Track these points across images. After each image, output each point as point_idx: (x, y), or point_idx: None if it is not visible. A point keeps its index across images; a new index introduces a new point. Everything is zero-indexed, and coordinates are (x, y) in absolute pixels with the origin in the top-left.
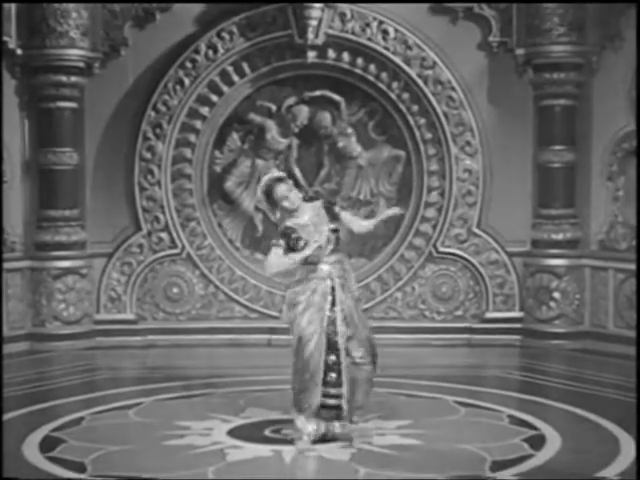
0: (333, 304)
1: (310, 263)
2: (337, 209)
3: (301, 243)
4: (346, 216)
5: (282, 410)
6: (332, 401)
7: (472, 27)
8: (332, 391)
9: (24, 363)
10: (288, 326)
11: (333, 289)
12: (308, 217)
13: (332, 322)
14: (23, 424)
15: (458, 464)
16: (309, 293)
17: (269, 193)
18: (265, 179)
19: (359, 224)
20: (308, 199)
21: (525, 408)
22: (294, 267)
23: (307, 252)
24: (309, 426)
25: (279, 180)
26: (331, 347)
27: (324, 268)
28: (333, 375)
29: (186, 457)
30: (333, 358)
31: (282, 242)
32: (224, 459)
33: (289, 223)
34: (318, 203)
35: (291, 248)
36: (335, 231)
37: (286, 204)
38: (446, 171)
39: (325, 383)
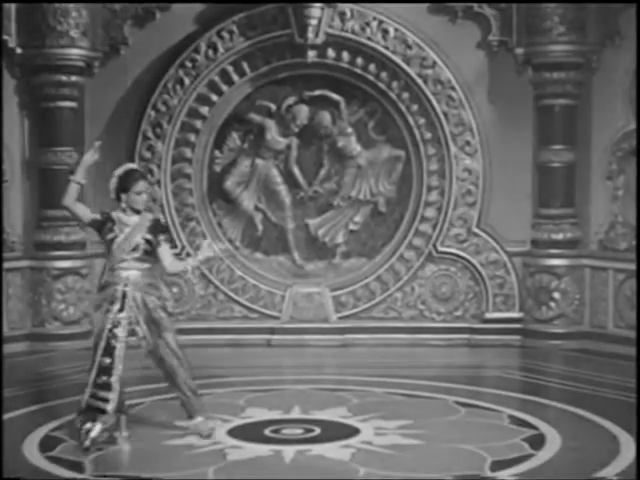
0: (122, 309)
1: (111, 267)
2: (161, 238)
3: (110, 236)
4: (164, 248)
5: (282, 410)
6: (100, 403)
7: (472, 26)
8: (101, 394)
9: (24, 363)
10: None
11: (124, 295)
12: (134, 220)
13: (114, 326)
14: (23, 424)
15: (458, 464)
16: (109, 298)
17: (124, 180)
18: (128, 166)
19: (170, 261)
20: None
21: (525, 408)
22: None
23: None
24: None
25: (143, 176)
26: (108, 350)
27: (122, 274)
28: (104, 378)
29: (186, 457)
30: (108, 361)
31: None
32: (224, 459)
33: (114, 214)
34: (150, 216)
35: (100, 236)
36: (149, 242)
37: (137, 200)
38: (446, 171)
39: (96, 385)
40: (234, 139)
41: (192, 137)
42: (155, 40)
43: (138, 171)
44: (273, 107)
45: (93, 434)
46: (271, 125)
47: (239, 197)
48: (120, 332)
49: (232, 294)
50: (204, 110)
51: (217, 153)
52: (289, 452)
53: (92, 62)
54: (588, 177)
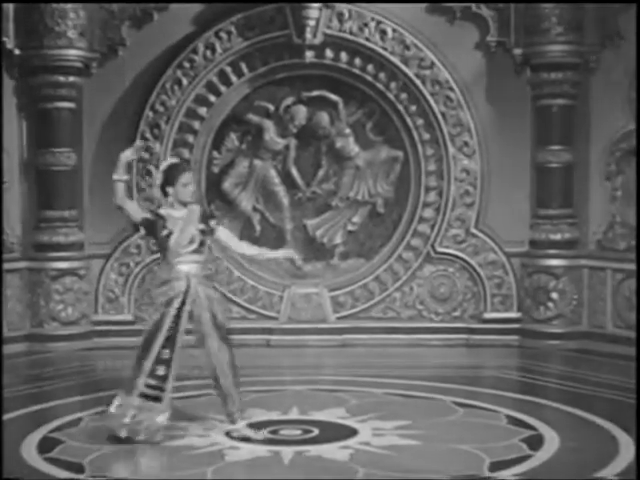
0: (184, 303)
1: (169, 263)
2: (213, 223)
3: (165, 232)
4: (223, 232)
5: (281, 410)
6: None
7: (470, 27)
8: (157, 384)
9: (22, 364)
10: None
11: (187, 289)
12: (184, 213)
13: (177, 319)
14: (21, 425)
15: (456, 464)
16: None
17: (169, 174)
18: (171, 160)
19: (239, 244)
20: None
21: (523, 408)
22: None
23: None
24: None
25: (187, 168)
26: (169, 343)
27: (182, 268)
28: (162, 369)
29: (185, 458)
30: (167, 352)
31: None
32: (223, 460)
33: (162, 211)
34: (196, 208)
35: (153, 235)
36: (204, 233)
37: (184, 192)
38: (444, 171)
39: (152, 375)
40: (232, 140)
41: (190, 138)
42: (153, 41)
43: (182, 164)
44: (271, 108)
45: (145, 424)
46: (269, 126)
47: (237, 198)
48: (182, 326)
49: (230, 295)
50: (202, 111)
51: (215, 154)
52: (288, 453)
53: (90, 63)
54: (586, 177)
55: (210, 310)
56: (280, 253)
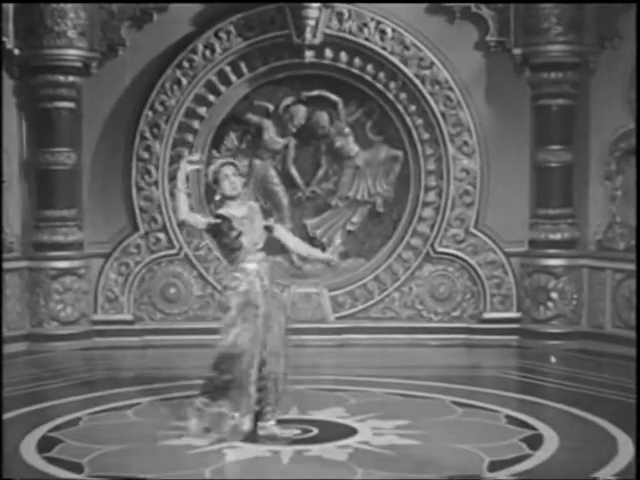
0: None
1: (241, 262)
2: (271, 221)
3: (234, 233)
4: (281, 230)
5: (280, 410)
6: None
7: (469, 27)
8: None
9: (22, 363)
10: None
11: (263, 290)
12: (246, 211)
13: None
14: (21, 424)
15: (456, 464)
16: (243, 296)
17: (215, 173)
18: (217, 164)
19: (295, 242)
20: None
21: (523, 408)
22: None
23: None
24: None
25: (227, 163)
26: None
27: (250, 267)
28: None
29: (184, 457)
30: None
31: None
32: (222, 459)
33: (223, 211)
34: (254, 204)
35: (220, 238)
36: (268, 229)
37: (226, 185)
38: (443, 171)
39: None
40: (232, 139)
41: (190, 137)
42: (153, 41)
43: (224, 161)
44: (271, 107)
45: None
46: (269, 125)
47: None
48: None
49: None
50: (202, 110)
51: (215, 153)
52: (287, 452)
53: (90, 63)
54: (586, 177)
55: (279, 309)
56: (324, 255)
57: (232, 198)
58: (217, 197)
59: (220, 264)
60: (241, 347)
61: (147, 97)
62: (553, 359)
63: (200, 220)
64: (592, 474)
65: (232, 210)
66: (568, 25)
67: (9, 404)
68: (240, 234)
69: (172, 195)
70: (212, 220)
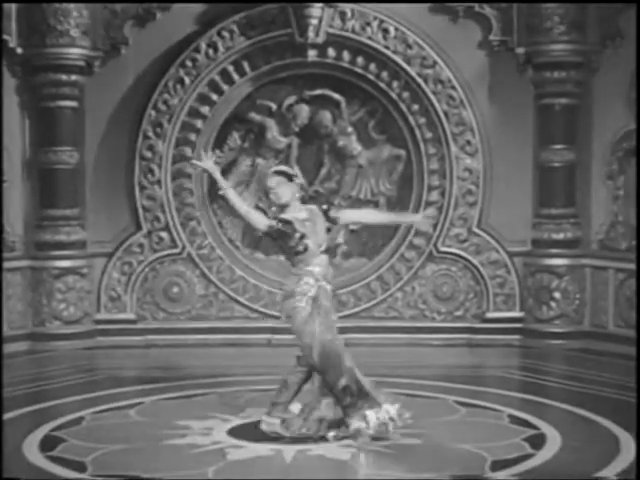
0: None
1: (305, 266)
2: (333, 212)
3: (298, 235)
4: (346, 213)
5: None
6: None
7: (473, 26)
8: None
9: (24, 363)
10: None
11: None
12: (306, 214)
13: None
14: (23, 424)
15: (458, 464)
16: (309, 299)
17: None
18: (276, 167)
19: (367, 214)
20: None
21: (525, 408)
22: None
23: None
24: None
25: (274, 173)
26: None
27: (316, 270)
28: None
29: (187, 457)
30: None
31: (275, 225)
32: (224, 459)
33: (285, 216)
34: (314, 207)
35: (282, 242)
36: (332, 221)
37: (272, 197)
38: (446, 170)
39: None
40: (235, 138)
41: (193, 136)
42: (156, 40)
43: (275, 170)
44: (274, 106)
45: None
46: (272, 124)
47: (240, 196)
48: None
49: (233, 294)
50: (205, 109)
51: (218, 152)
52: (289, 452)
53: (93, 62)
54: (589, 177)
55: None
56: (413, 218)
57: (284, 206)
58: (273, 209)
59: (223, 263)
60: (329, 346)
61: (150, 96)
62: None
63: (261, 221)
64: (594, 474)
65: (294, 213)
66: (571, 24)
67: (12, 403)
68: (304, 236)
69: (222, 198)
70: (274, 224)
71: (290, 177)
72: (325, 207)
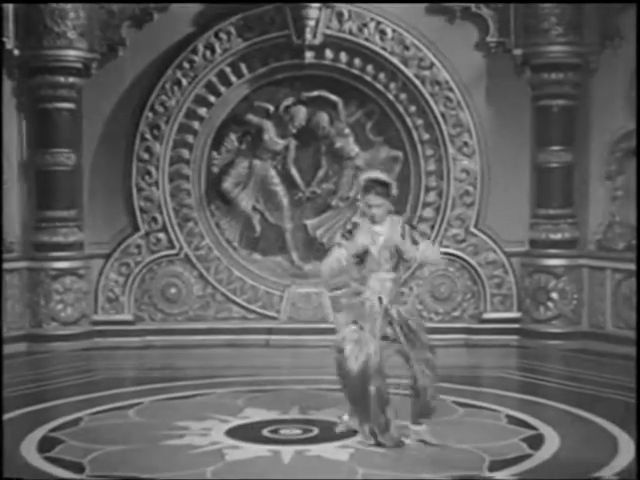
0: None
1: (362, 279)
2: (417, 236)
3: (360, 244)
4: (422, 252)
5: (281, 410)
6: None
7: (470, 27)
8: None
9: (22, 364)
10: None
11: (381, 308)
12: (385, 228)
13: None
14: (21, 424)
15: (457, 464)
16: (359, 313)
17: (362, 188)
18: (368, 174)
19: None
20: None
21: (523, 408)
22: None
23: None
24: None
25: (374, 188)
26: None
27: (375, 285)
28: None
29: (185, 457)
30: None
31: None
32: (223, 459)
33: (363, 222)
34: (400, 220)
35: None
36: (400, 252)
37: (372, 211)
38: (444, 171)
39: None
40: (232, 140)
41: (190, 138)
42: (153, 41)
43: (373, 182)
44: (271, 108)
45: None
46: (269, 126)
47: (237, 198)
48: (384, 349)
49: (230, 294)
50: (202, 111)
51: (215, 154)
52: (288, 452)
53: (90, 63)
54: (586, 178)
55: (405, 330)
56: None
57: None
58: (355, 220)
59: (220, 264)
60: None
61: (147, 98)
62: None
63: (342, 257)
64: (593, 474)
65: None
66: (568, 25)
67: (10, 404)
68: (367, 252)
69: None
70: (352, 254)
71: (389, 191)
72: (410, 228)
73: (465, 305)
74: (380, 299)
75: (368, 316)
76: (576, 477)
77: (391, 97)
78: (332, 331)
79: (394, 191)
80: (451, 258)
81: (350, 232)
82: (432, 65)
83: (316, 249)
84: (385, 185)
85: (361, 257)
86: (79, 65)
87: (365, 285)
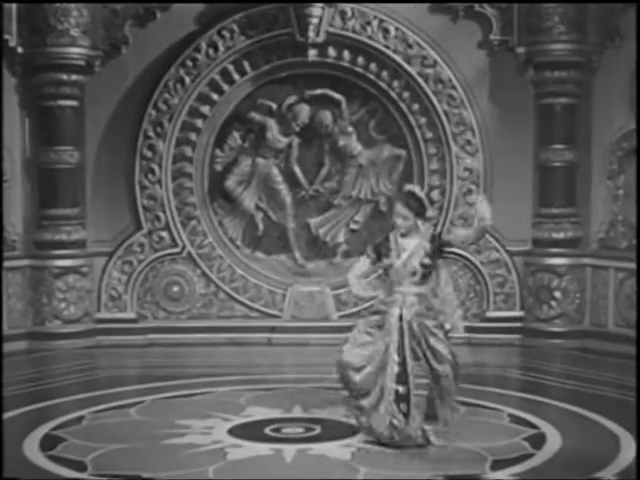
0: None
1: (387, 291)
2: (445, 236)
3: (386, 262)
4: (458, 234)
5: (283, 409)
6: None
7: (473, 26)
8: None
9: (24, 362)
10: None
11: (401, 317)
12: (416, 241)
13: (401, 353)
14: (23, 423)
15: (458, 463)
16: (378, 320)
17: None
18: (405, 187)
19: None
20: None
21: (525, 407)
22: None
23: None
24: None
25: (403, 199)
26: (401, 378)
27: (399, 298)
28: (403, 405)
29: (187, 456)
30: (403, 389)
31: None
32: (224, 458)
33: (392, 235)
34: (429, 235)
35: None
36: (425, 267)
37: (397, 221)
38: (447, 170)
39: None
40: (235, 138)
41: (193, 136)
42: (156, 39)
43: (408, 193)
44: (274, 106)
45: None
46: (272, 124)
47: (240, 196)
48: (409, 359)
49: (233, 293)
50: (205, 109)
51: (218, 152)
52: (290, 451)
53: (93, 61)
54: (589, 176)
55: (423, 343)
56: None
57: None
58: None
59: (223, 262)
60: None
61: (150, 96)
62: None
63: (366, 265)
64: (595, 473)
65: (401, 237)
66: (571, 24)
67: (12, 402)
68: (391, 264)
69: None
70: (373, 253)
71: (420, 209)
72: (443, 243)
73: (468, 304)
74: (400, 314)
75: (385, 329)
76: (578, 476)
77: (394, 95)
78: (336, 330)
79: (429, 213)
80: (454, 257)
81: (379, 245)
82: (435, 63)
83: (319, 248)
84: (418, 201)
85: (385, 269)
86: (82, 63)
87: (390, 297)
